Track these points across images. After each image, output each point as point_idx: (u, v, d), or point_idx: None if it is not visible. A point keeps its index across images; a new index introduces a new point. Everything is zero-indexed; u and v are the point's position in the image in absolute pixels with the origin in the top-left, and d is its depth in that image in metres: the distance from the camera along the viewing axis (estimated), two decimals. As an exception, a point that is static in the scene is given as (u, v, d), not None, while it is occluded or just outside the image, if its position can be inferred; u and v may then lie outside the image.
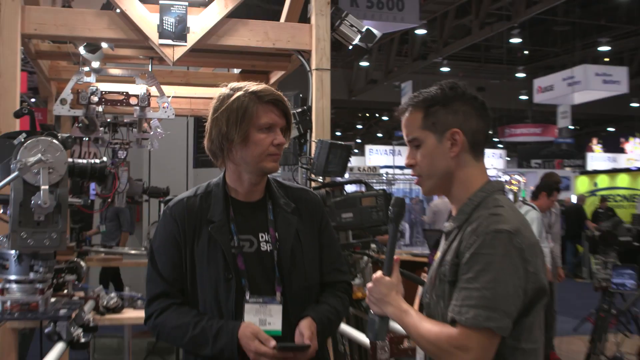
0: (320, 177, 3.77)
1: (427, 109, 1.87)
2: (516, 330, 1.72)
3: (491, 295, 1.66)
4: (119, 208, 6.92)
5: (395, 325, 2.97)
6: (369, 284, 1.90)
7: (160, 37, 4.11)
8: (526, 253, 1.71)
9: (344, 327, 3.17)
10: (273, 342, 2.03)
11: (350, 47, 4.30)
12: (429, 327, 1.76)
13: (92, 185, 5.55)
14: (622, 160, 26.74)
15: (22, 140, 2.68)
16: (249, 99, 2.14)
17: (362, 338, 2.98)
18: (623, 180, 19.50)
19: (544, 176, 7.17)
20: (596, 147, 29.07)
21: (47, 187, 2.64)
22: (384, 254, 1.95)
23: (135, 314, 3.82)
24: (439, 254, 1.92)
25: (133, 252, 6.47)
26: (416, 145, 1.89)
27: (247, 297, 2.13)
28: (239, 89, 2.18)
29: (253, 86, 2.19)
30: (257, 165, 2.17)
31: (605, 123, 33.84)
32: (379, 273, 1.90)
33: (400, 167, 22.06)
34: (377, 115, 33.21)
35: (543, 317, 1.83)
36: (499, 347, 1.71)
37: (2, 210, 2.97)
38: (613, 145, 29.21)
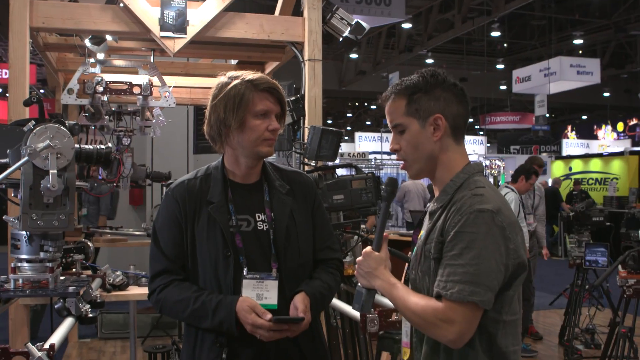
0: (313, 162, 3.76)
1: (410, 96, 1.86)
2: (498, 304, 1.73)
3: (475, 271, 1.67)
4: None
5: (383, 300, 2.98)
6: (359, 258, 1.90)
7: (162, 29, 4.09)
8: (507, 231, 1.72)
9: (336, 302, 3.18)
10: (269, 315, 2.04)
11: (341, 39, 4.28)
12: (416, 300, 1.76)
13: (100, 171, 5.54)
14: (594, 146, 26.82)
15: (32, 127, 2.66)
16: (246, 87, 2.14)
17: (353, 312, 2.99)
18: (596, 164, 19.58)
19: (526, 160, 7.18)
20: (571, 134, 29.15)
21: (55, 171, 2.62)
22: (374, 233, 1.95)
23: (139, 291, 3.82)
24: (423, 233, 1.91)
25: (137, 233, 6.45)
26: (400, 131, 1.88)
27: (245, 273, 2.14)
28: (236, 77, 2.18)
29: (249, 75, 2.19)
30: (253, 149, 2.17)
31: (579, 111, 33.92)
32: (368, 248, 1.91)
33: (388, 153, 22.04)
34: (366, 104, 33.20)
35: (522, 291, 1.84)
36: (482, 319, 1.72)
37: (13, 194, 2.96)
38: (586, 132, 29.30)
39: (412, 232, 2.08)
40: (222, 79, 2.21)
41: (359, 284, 1.91)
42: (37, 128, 2.65)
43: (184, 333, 2.32)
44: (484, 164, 20.58)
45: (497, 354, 1.76)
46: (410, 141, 1.86)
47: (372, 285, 1.86)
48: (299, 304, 2.12)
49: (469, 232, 1.70)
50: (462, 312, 1.68)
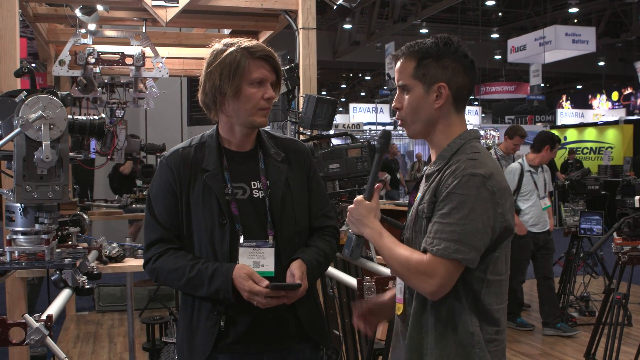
0: (308, 131, 3.74)
1: (420, 60, 1.89)
2: (483, 263, 1.81)
3: (461, 230, 1.74)
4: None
5: (379, 268, 2.99)
6: (351, 206, 1.95)
7: (153, -2, 4.03)
8: (497, 196, 1.78)
9: (333, 270, 3.18)
10: (266, 282, 2.04)
11: (335, 6, 4.23)
12: (401, 250, 1.83)
13: (93, 144, 5.51)
14: (589, 116, 26.84)
15: (23, 98, 2.63)
16: (242, 55, 2.12)
17: (350, 281, 2.99)
18: (590, 134, 19.62)
19: (540, 133, 6.77)
20: (565, 103, 29.13)
21: (48, 142, 2.59)
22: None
23: (136, 263, 3.81)
24: (419, 195, 1.98)
25: (133, 205, 6.45)
26: (404, 90, 1.92)
27: (241, 240, 2.14)
28: (232, 44, 2.15)
29: (245, 42, 2.16)
30: (247, 118, 2.15)
31: (574, 81, 33.85)
32: (360, 197, 1.96)
33: (383, 124, 22.04)
34: (360, 75, 33.02)
35: (509, 253, 1.91)
36: (468, 277, 1.81)
37: (6, 166, 2.93)
38: (581, 102, 29.28)
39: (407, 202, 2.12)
40: (218, 45, 2.18)
41: (350, 231, 1.97)
42: (29, 99, 2.61)
43: (180, 303, 2.31)
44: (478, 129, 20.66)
45: (482, 311, 1.84)
46: (412, 103, 1.90)
47: (361, 233, 1.93)
48: (296, 270, 2.12)
49: (460, 194, 1.76)
50: (444, 268, 1.75)
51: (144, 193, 6.50)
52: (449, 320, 1.84)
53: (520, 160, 6.30)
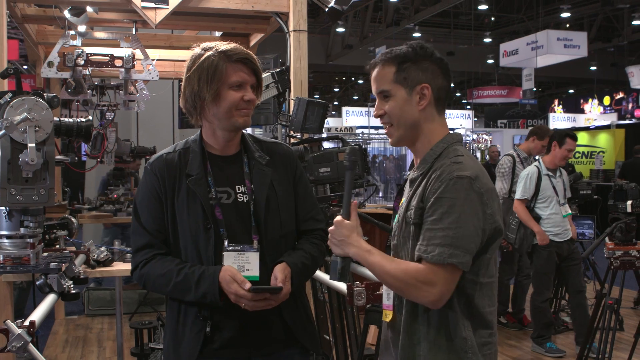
0: (299, 134, 3.71)
1: (399, 65, 1.90)
2: (475, 266, 1.81)
3: (454, 234, 1.73)
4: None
5: (369, 273, 2.95)
6: (330, 228, 1.92)
7: (143, -1, 3.99)
8: (484, 197, 1.79)
9: (323, 275, 3.15)
10: (248, 285, 2.02)
11: (327, 9, 4.20)
12: (394, 265, 1.81)
13: (84, 147, 5.47)
14: (581, 120, 26.91)
15: (8, 99, 2.59)
16: (219, 58, 2.11)
17: (340, 286, 2.96)
18: (582, 138, 19.65)
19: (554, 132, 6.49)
20: (557, 108, 29.21)
21: (34, 144, 2.56)
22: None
23: (124, 267, 3.78)
24: (404, 200, 1.97)
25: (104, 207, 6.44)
26: (385, 96, 1.92)
27: (226, 245, 2.12)
28: (209, 48, 2.14)
29: (223, 45, 2.15)
30: (228, 120, 2.14)
31: (566, 85, 33.99)
32: (339, 217, 1.92)
33: (376, 127, 22.04)
34: (353, 78, 33.09)
35: (497, 255, 1.92)
36: (461, 282, 1.79)
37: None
38: (573, 106, 29.36)
39: None
40: (196, 50, 2.18)
41: (333, 254, 1.93)
42: (14, 100, 2.58)
43: (167, 308, 2.28)
44: (471, 138, 20.57)
45: (475, 314, 1.84)
46: (396, 107, 1.90)
47: (347, 253, 1.89)
48: (279, 273, 2.10)
49: (449, 198, 1.76)
50: (442, 274, 1.74)
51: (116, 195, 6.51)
52: (441, 327, 1.83)
53: (536, 163, 5.74)
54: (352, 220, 1.91)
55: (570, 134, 5.66)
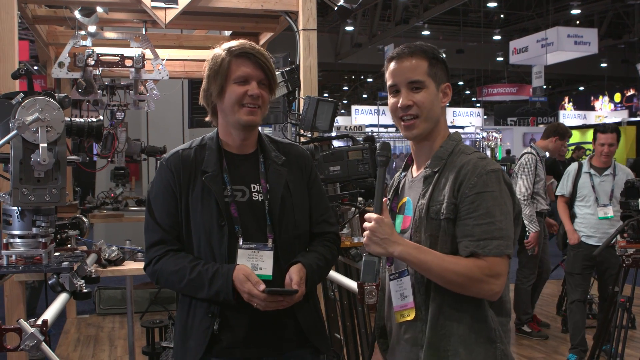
0: (309, 133, 3.71)
1: (431, 60, 1.94)
2: None
3: (504, 226, 1.80)
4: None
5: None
6: (370, 224, 1.84)
7: (153, -1, 4.00)
8: (511, 187, 1.88)
9: (334, 274, 3.14)
10: (262, 286, 2.02)
11: (336, 8, 4.20)
12: (454, 260, 1.81)
13: (95, 147, 5.49)
14: (592, 118, 26.79)
15: (20, 100, 2.60)
16: (225, 54, 2.14)
17: (351, 284, 2.95)
18: (593, 135, 19.52)
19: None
20: (568, 105, 29.08)
21: (45, 144, 2.56)
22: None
23: (135, 266, 3.78)
24: (408, 199, 1.99)
25: (134, 208, 6.41)
26: (415, 88, 1.92)
27: (241, 242, 2.12)
28: (222, 46, 2.18)
29: (230, 43, 2.18)
30: (234, 116, 2.14)
31: (576, 83, 33.80)
32: (373, 214, 1.85)
33: (385, 126, 22.01)
34: (362, 77, 33.03)
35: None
36: None
37: (3, 168, 2.90)
38: (583, 104, 29.23)
39: None
40: (216, 49, 2.21)
41: (366, 254, 1.86)
42: (26, 101, 2.59)
43: (178, 304, 2.29)
44: (481, 136, 20.49)
45: (497, 304, 1.88)
46: (428, 99, 1.93)
47: (390, 253, 1.83)
48: (294, 275, 2.09)
49: (490, 192, 1.80)
50: (504, 265, 1.80)
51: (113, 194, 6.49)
52: (471, 320, 1.85)
53: (583, 161, 5.63)
54: (387, 218, 1.86)
55: (599, 129, 5.55)
